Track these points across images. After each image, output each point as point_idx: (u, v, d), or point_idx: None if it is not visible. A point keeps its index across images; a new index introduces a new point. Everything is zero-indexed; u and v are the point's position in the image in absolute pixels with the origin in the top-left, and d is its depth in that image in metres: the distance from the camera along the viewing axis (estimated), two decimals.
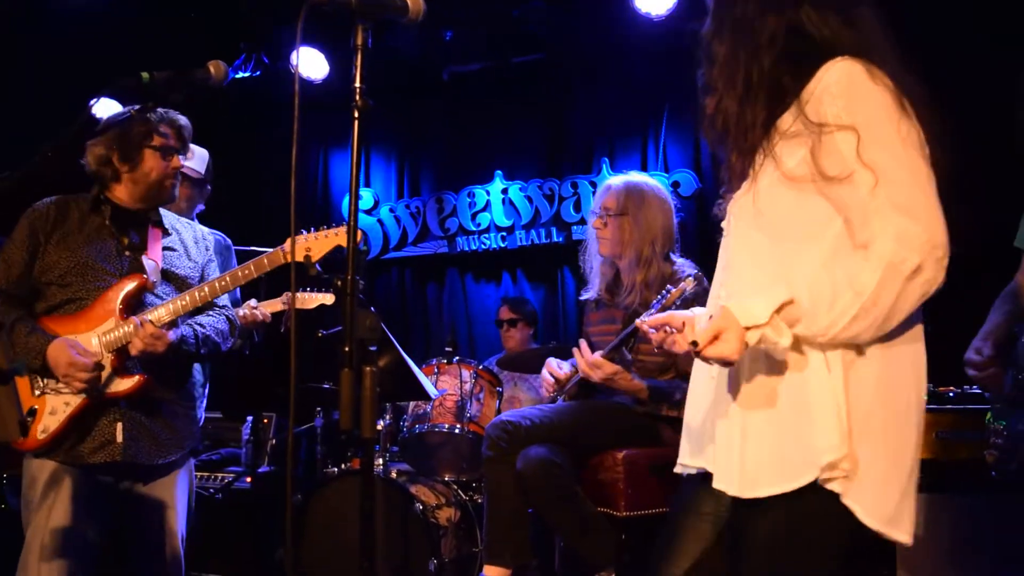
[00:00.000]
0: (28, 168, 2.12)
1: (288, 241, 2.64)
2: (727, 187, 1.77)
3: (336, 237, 2.65)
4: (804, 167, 1.59)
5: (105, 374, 2.57)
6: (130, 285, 2.63)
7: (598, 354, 3.10)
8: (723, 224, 1.80)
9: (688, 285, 2.89)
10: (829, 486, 1.52)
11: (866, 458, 1.53)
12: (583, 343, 3.20)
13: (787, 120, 1.62)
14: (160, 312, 2.62)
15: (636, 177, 3.38)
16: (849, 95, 1.55)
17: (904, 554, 3.08)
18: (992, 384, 2.57)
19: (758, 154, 1.65)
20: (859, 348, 1.56)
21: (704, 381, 1.79)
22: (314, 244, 2.64)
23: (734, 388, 1.67)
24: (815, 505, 1.54)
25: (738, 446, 1.64)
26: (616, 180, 3.37)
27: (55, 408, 2.56)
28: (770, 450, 1.59)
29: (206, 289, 2.66)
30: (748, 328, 1.52)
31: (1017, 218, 2.68)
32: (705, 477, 1.73)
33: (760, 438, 1.61)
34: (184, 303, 2.64)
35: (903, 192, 1.49)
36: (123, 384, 2.58)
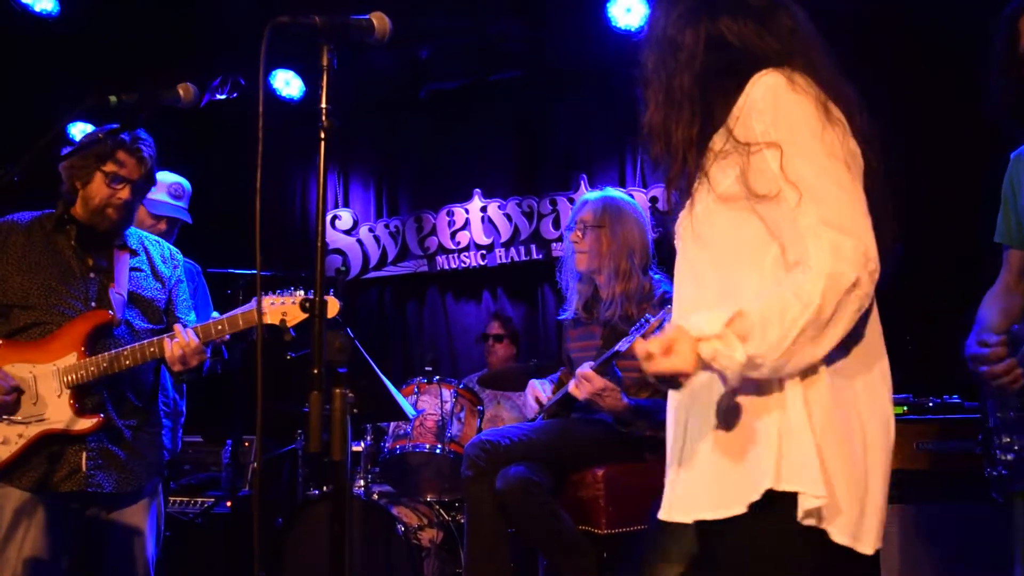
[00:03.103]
0: None
1: (263, 303, 2.54)
2: (673, 204, 1.73)
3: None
4: (737, 187, 1.56)
5: (63, 410, 2.55)
6: (95, 322, 2.61)
7: (588, 365, 3.05)
8: (675, 243, 1.76)
9: (668, 315, 2.88)
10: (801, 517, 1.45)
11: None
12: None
13: (719, 141, 1.59)
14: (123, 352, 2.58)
15: (612, 192, 3.41)
16: (775, 110, 1.52)
17: (887, 566, 3.08)
18: (1011, 376, 2.18)
19: (692, 174, 1.62)
20: (816, 369, 1.49)
21: (675, 397, 1.76)
22: (291, 309, 2.50)
23: (689, 409, 1.64)
24: (772, 526, 1.48)
25: (677, 469, 1.62)
26: (592, 194, 3.39)
27: (7, 437, 2.53)
28: (710, 476, 1.55)
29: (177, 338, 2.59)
30: (700, 340, 1.44)
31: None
32: None
33: (700, 464, 1.57)
34: (153, 350, 2.59)
35: (830, 206, 1.45)
36: (83, 423, 2.56)
